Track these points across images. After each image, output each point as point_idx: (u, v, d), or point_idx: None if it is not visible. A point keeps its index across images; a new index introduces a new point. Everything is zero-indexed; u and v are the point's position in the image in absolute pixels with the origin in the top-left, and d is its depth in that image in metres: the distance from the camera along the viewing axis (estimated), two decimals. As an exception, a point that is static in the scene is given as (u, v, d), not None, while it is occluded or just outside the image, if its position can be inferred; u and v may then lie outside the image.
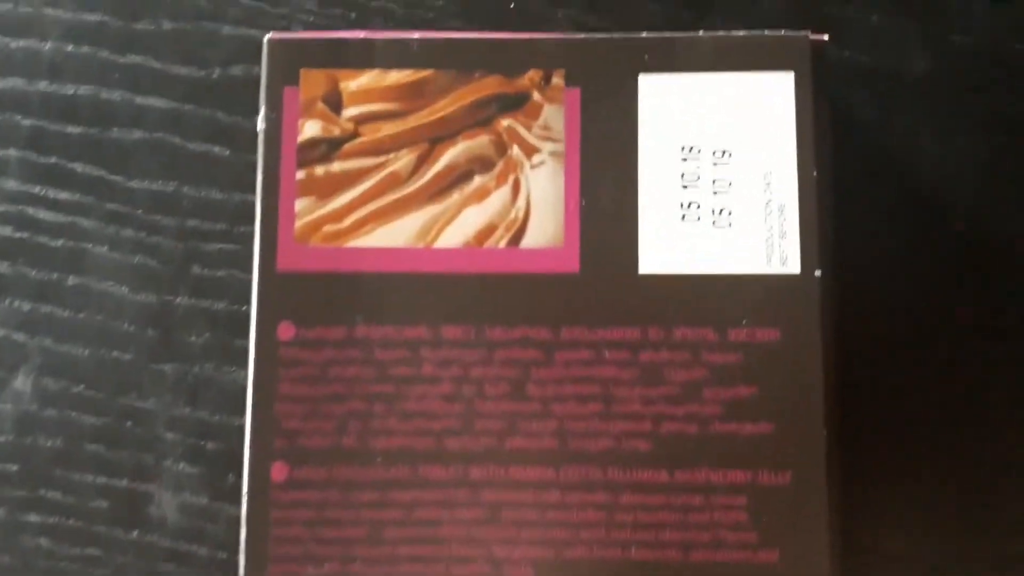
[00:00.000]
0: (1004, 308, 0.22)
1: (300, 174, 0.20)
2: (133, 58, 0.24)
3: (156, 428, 0.23)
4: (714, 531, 0.19)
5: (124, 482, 0.23)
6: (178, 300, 0.23)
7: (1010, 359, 0.22)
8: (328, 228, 0.20)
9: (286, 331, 0.20)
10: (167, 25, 0.24)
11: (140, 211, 0.23)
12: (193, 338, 0.23)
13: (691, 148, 0.20)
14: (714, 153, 0.20)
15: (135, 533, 0.23)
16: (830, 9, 0.24)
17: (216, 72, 0.24)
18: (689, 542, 0.19)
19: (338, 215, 0.20)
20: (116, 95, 0.24)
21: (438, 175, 0.20)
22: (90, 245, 0.23)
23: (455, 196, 0.20)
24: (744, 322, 0.19)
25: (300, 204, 0.20)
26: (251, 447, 0.19)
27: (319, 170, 0.20)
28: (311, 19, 0.24)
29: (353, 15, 0.24)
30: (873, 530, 0.22)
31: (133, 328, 0.23)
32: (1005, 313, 0.22)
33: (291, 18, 0.24)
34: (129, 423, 0.23)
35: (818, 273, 0.19)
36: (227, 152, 0.24)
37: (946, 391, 0.22)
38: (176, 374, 0.23)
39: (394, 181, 0.20)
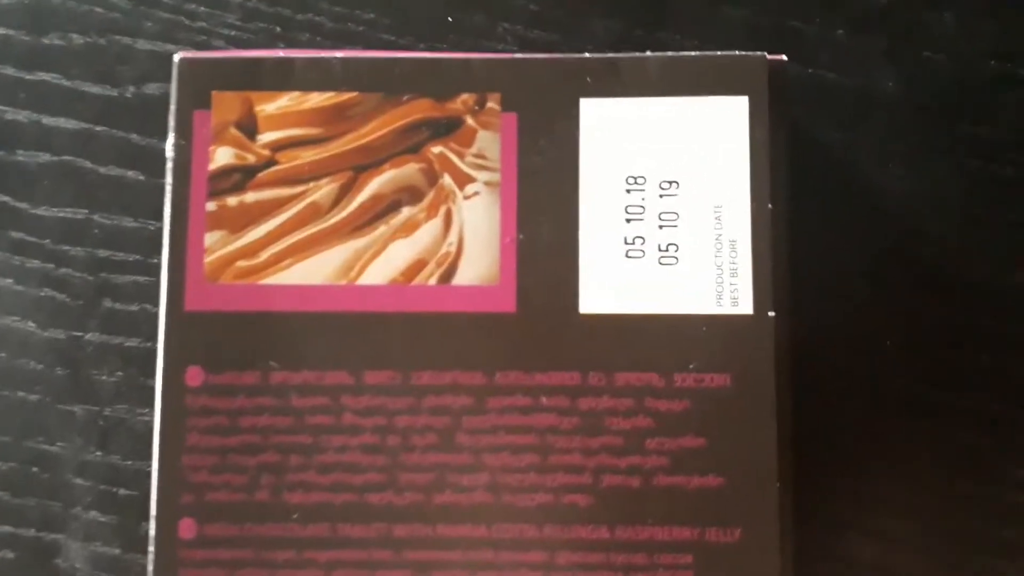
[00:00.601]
0: (972, 352, 0.21)
1: (211, 205, 0.18)
2: (40, 75, 0.22)
3: (65, 473, 0.21)
4: (657, 594, 0.18)
5: (31, 531, 0.21)
6: (88, 336, 0.22)
7: (975, 406, 0.21)
8: (241, 264, 0.18)
9: (194, 377, 0.18)
10: (77, 40, 0.22)
11: (47, 241, 0.22)
12: (104, 377, 0.21)
13: (636, 178, 0.18)
14: (661, 184, 0.18)
15: (41, 588, 0.21)
16: (794, 23, 0.22)
17: (130, 90, 0.22)
18: (630, 606, 0.17)
19: (252, 250, 0.18)
20: (22, 115, 0.22)
21: (362, 206, 0.19)
22: (-6, 277, 0.22)
23: (381, 229, 0.18)
24: (692, 367, 0.18)
25: (211, 238, 0.18)
26: (158, 502, 0.18)
27: (232, 201, 0.18)
28: (232, 33, 0.23)
29: (278, 29, 0.23)
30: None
31: (40, 366, 0.21)
32: (972, 357, 0.21)
33: (211, 32, 0.23)
34: (36, 468, 0.21)
35: (772, 314, 0.18)
36: (141, 177, 0.22)
37: (908, 438, 0.21)
38: (86, 416, 0.21)
39: (314, 213, 0.19)
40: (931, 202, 0.22)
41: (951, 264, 0.21)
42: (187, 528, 0.18)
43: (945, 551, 0.21)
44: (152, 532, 0.17)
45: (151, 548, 0.17)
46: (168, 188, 0.18)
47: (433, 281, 0.18)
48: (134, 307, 0.21)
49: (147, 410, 0.21)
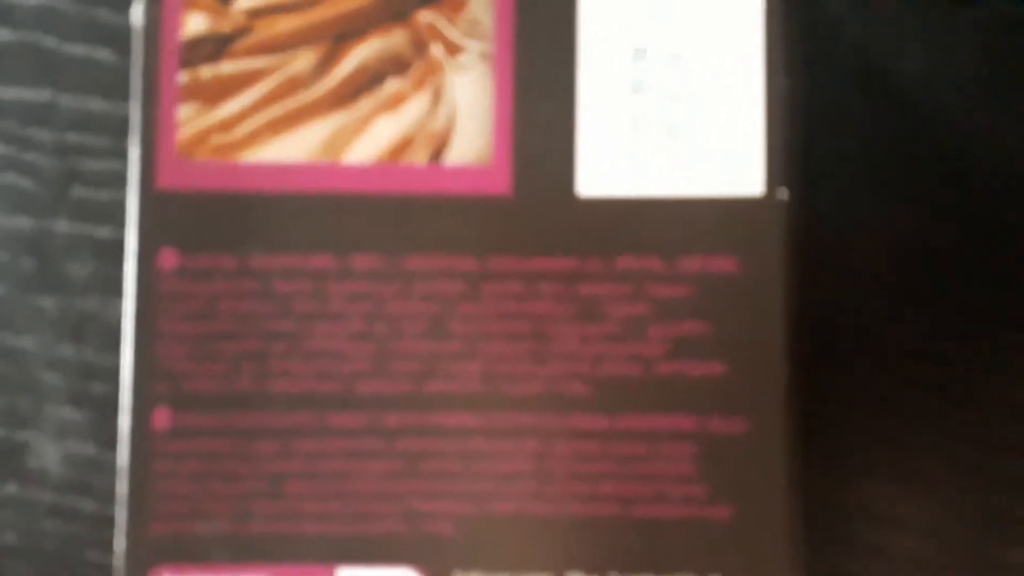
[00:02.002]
0: (990, 238, 0.20)
1: (183, 76, 0.17)
2: (0, -56, 0.21)
3: (35, 369, 0.20)
4: (658, 484, 0.17)
5: (-1, 430, 0.20)
6: (57, 225, 0.21)
7: (995, 291, 0.20)
8: (216, 140, 0.17)
9: (168, 259, 0.17)
10: (39, -94, 0.21)
11: (11, 123, 0.21)
12: (75, 268, 0.20)
13: (641, 50, 0.17)
14: (667, 55, 0.17)
15: (12, 487, 0.20)
16: (803, -99, 0.21)
17: (97, -39, 0.21)
18: (630, 496, 0.17)
19: (228, 124, 0.17)
20: (-19, -12, 0.21)
21: (345, 79, 0.17)
22: (-45, 162, 0.21)
23: (365, 103, 0.17)
24: (696, 250, 0.17)
25: (183, 111, 0.17)
26: (131, 391, 0.17)
27: (205, 72, 0.17)
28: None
29: None
30: (835, 483, 0.21)
31: (6, 257, 0.20)
32: (991, 243, 0.20)
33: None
34: (4, 364, 0.20)
35: (783, 195, 0.17)
36: (110, 56, 0.21)
37: (922, 330, 0.20)
38: (56, 309, 0.20)
39: (293, 85, 0.17)
40: (951, 81, 0.21)
41: (971, 148, 0.21)
42: (162, 418, 0.17)
43: (958, 455, 0.20)
44: (125, 423, 0.17)
45: (123, 439, 0.16)
46: (137, 57, 0.17)
47: (422, 161, 0.17)
48: (105, 194, 0.20)
49: (120, 302, 0.20)
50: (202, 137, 0.17)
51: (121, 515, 0.16)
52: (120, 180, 0.21)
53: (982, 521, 0.20)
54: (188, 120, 0.17)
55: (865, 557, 0.20)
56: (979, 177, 0.21)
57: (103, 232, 0.21)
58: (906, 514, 0.20)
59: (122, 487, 0.16)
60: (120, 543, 0.16)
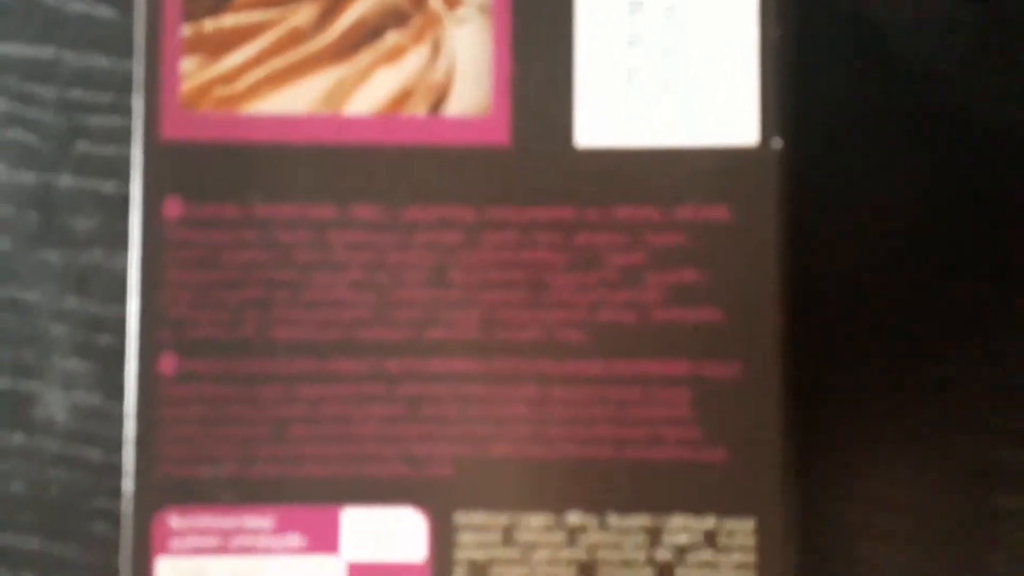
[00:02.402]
0: (982, 186, 0.21)
1: (186, 29, 0.17)
2: (1, -99, 0.21)
3: (40, 321, 0.21)
4: (654, 427, 0.17)
5: (6, 381, 0.21)
6: (61, 180, 0.21)
7: (988, 241, 0.21)
8: (219, 92, 0.17)
9: (173, 208, 0.17)
10: None
11: (15, 80, 0.21)
12: (79, 222, 0.21)
13: (637, 3, 0.18)
14: (663, 8, 0.17)
15: (19, 436, 0.21)
16: None
17: (98, -82, 0.21)
18: (625, 439, 0.17)
19: (230, 77, 0.18)
20: (-17, -56, 0.21)
21: (345, 32, 0.18)
22: (-41, 117, 0.21)
23: (365, 56, 0.18)
24: (692, 199, 0.17)
25: (186, 64, 0.17)
26: (137, 338, 0.17)
27: (208, 24, 0.17)
28: None
29: None
30: (829, 427, 0.21)
31: (12, 211, 0.21)
32: (983, 191, 0.21)
33: None
34: (10, 316, 0.21)
35: (777, 145, 0.18)
36: (112, 12, 0.21)
37: (913, 279, 0.21)
38: (61, 262, 0.21)
39: (295, 37, 0.18)
40: (943, 32, 0.21)
41: (963, 98, 0.21)
42: (168, 364, 0.17)
43: (947, 402, 0.21)
44: (131, 369, 0.17)
45: (130, 385, 0.17)
46: (140, 11, 0.17)
47: (421, 112, 0.17)
48: (109, 149, 0.21)
49: (125, 255, 0.20)
50: (205, 89, 0.18)
51: (129, 458, 0.17)
52: (123, 135, 0.21)
53: (974, 466, 0.20)
54: (191, 73, 0.17)
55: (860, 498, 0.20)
56: (971, 126, 0.21)
57: (107, 186, 0.21)
58: (897, 459, 0.21)
59: (129, 431, 0.17)
60: (128, 486, 0.17)
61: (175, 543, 0.17)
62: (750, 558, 0.17)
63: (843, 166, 0.21)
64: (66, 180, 0.21)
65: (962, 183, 0.21)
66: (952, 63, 0.21)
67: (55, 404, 0.21)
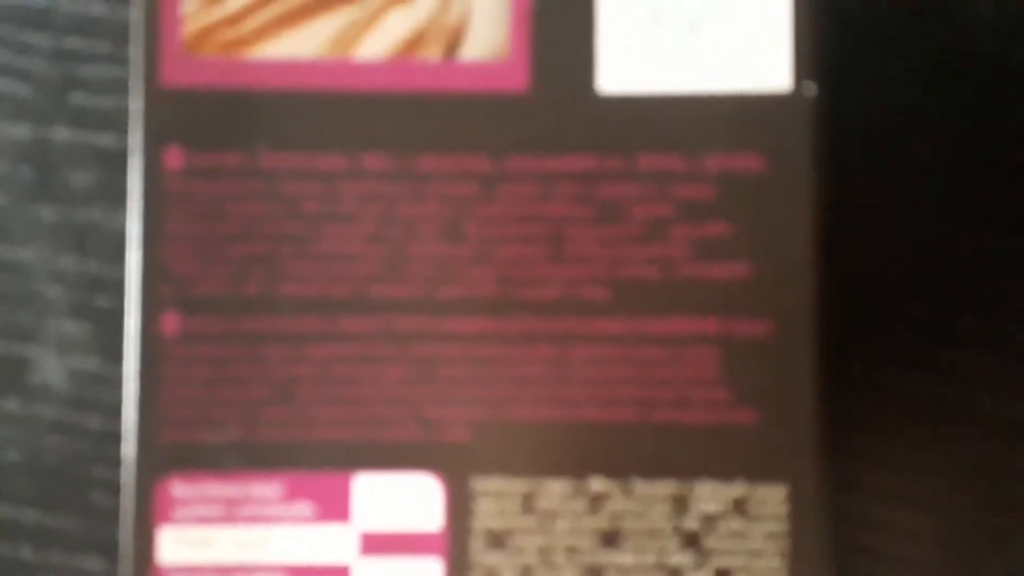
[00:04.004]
0: (1016, 148, 0.20)
1: (187, -33, 0.17)
2: None
3: (36, 282, 0.20)
4: (680, 388, 0.16)
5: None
6: (56, 133, 0.20)
7: (1011, 202, 0.20)
8: (223, 35, 0.17)
9: (174, 158, 0.17)
10: None
11: (8, 28, 0.20)
12: (76, 177, 0.20)
13: (661, -60, 0.17)
14: (688, -54, 0.17)
15: (14, 403, 0.20)
16: None
17: None
18: (650, 400, 0.16)
19: (234, 19, 0.17)
20: None
21: (356, -30, 0.17)
22: (-51, 69, 0.20)
23: (377, -4, 0.17)
24: (720, 148, 0.16)
25: (187, 5, 0.16)
26: (137, 295, 0.17)
27: (210, -38, 0.17)
28: None
29: None
30: (861, 388, 0.20)
31: (5, 167, 0.20)
32: (1017, 153, 0.20)
33: None
34: (4, 276, 0.20)
35: (811, 90, 0.17)
36: (109, -44, 0.20)
37: (951, 231, 0.20)
38: (57, 219, 0.20)
39: (302, -23, 0.17)
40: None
41: (999, 47, 0.20)
42: (170, 323, 0.16)
43: (983, 361, 0.20)
44: (131, 327, 0.16)
45: (130, 345, 0.16)
46: (137, -51, 0.17)
47: (435, 56, 0.17)
48: (106, 100, 0.20)
49: (124, 211, 0.20)
50: (207, 32, 0.17)
51: (129, 423, 0.16)
52: (121, 86, 0.20)
53: (1002, 425, 0.20)
54: (193, 15, 0.17)
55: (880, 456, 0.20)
56: (1008, 70, 0.20)
57: (105, 140, 0.20)
58: (927, 421, 0.20)
59: (130, 394, 0.16)
60: (129, 452, 0.16)
61: (179, 512, 0.16)
62: (782, 527, 0.16)
63: (880, 113, 0.20)
64: (62, 133, 0.20)
65: (1002, 129, 0.20)
66: (992, 10, 0.20)
67: (51, 369, 0.20)
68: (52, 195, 0.20)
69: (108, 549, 0.20)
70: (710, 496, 0.16)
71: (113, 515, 0.20)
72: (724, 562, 0.16)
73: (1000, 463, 0.20)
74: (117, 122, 0.20)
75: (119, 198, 0.20)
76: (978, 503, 0.20)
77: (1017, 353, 0.20)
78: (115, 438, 0.20)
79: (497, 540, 0.16)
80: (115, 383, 0.20)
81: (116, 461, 0.20)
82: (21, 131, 0.20)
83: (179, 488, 0.17)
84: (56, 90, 0.20)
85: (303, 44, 0.17)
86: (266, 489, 0.17)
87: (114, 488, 0.20)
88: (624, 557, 0.16)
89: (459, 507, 0.17)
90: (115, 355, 0.20)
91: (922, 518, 0.20)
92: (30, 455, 0.20)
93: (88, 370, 0.20)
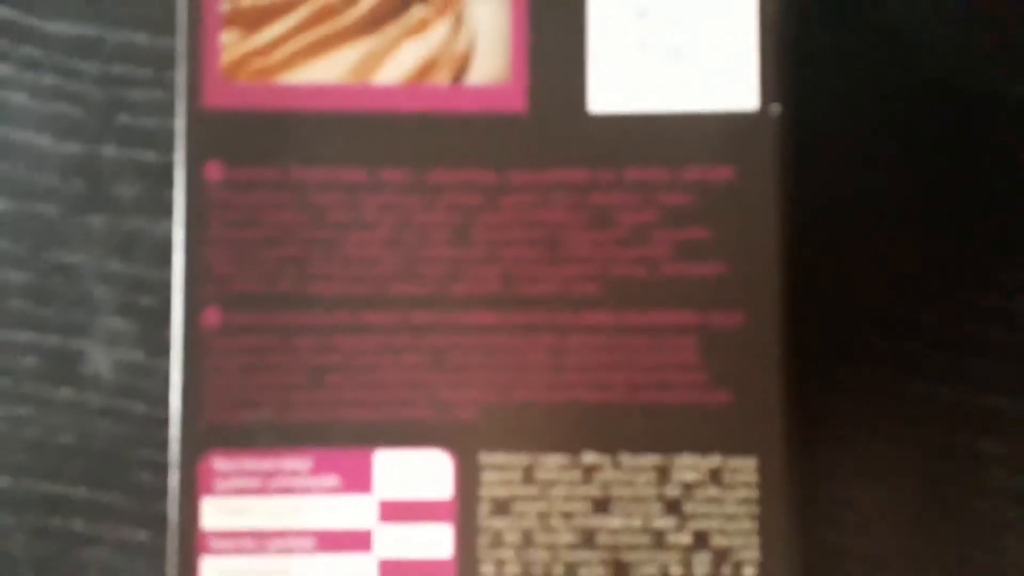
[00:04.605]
0: (972, 150, 0.22)
1: (225, 4, 0.19)
2: None
3: (86, 283, 0.22)
4: (663, 373, 0.18)
5: (54, 339, 0.22)
6: (104, 150, 0.22)
7: (975, 200, 0.22)
8: (256, 63, 0.19)
9: (214, 171, 0.19)
10: None
11: (60, 56, 0.22)
12: (122, 189, 0.22)
13: (644, -22, 0.19)
14: (668, -17, 0.19)
15: (67, 391, 0.22)
16: None
17: (136, -97, 0.22)
18: (637, 383, 0.18)
19: (267, 49, 0.19)
20: (28, -71, 0.22)
21: (373, 6, 0.19)
22: (6, 92, 0.22)
23: (392, 29, 0.19)
24: (698, 161, 0.19)
25: (226, 37, 0.19)
26: (182, 293, 0.19)
27: (245, 1, 0.19)
28: None
29: None
30: (828, 371, 0.22)
31: (58, 180, 0.22)
32: (972, 154, 0.22)
33: None
34: (57, 278, 0.22)
35: (776, 109, 0.19)
36: (151, -9, 0.22)
37: (904, 234, 0.22)
38: (105, 227, 0.22)
39: (326, 12, 0.19)
40: (934, 8, 0.22)
41: (950, 70, 0.22)
42: (212, 317, 0.18)
43: (939, 343, 0.22)
44: (177, 321, 0.18)
45: (176, 337, 0.18)
46: (182, -12, 0.18)
47: (445, 81, 0.19)
48: (150, 121, 0.22)
49: (165, 220, 0.22)
50: (243, 60, 0.19)
51: (175, 406, 0.18)
52: (163, 108, 0.22)
53: (959, 413, 0.22)
54: (230, 45, 0.19)
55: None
56: (958, 91, 0.22)
57: (148, 156, 0.22)
58: (887, 407, 0.22)
59: (176, 380, 0.18)
60: (175, 431, 0.18)
61: (219, 484, 0.18)
62: (753, 494, 0.18)
63: (838, 129, 0.22)
64: (110, 150, 0.22)
65: (949, 145, 0.22)
66: (941, 34, 0.22)
67: (101, 361, 0.22)
68: (101, 206, 0.22)
69: (152, 522, 0.22)
70: (689, 467, 0.18)
71: (156, 492, 0.22)
72: (702, 525, 0.18)
73: (958, 447, 0.22)
74: (159, 140, 0.22)
75: (161, 208, 0.22)
76: (933, 480, 0.22)
77: (972, 348, 0.22)
78: (158, 423, 0.22)
79: (501, 507, 0.18)
80: (157, 374, 0.22)
81: (159, 443, 0.22)
82: (73, 148, 0.22)
83: (220, 463, 0.19)
84: (104, 111, 0.22)
85: (328, 71, 0.19)
86: (297, 464, 0.18)
87: (157, 467, 0.22)
88: (614, 521, 0.18)
89: (467, 478, 0.19)
90: (157, 349, 0.22)
91: (884, 493, 0.22)
92: (81, 438, 0.22)
93: (133, 362, 0.22)
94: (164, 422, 0.22)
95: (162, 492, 0.22)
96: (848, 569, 0.21)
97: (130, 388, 0.22)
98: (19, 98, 0.22)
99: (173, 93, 0.22)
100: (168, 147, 0.22)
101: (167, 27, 0.22)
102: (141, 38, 0.22)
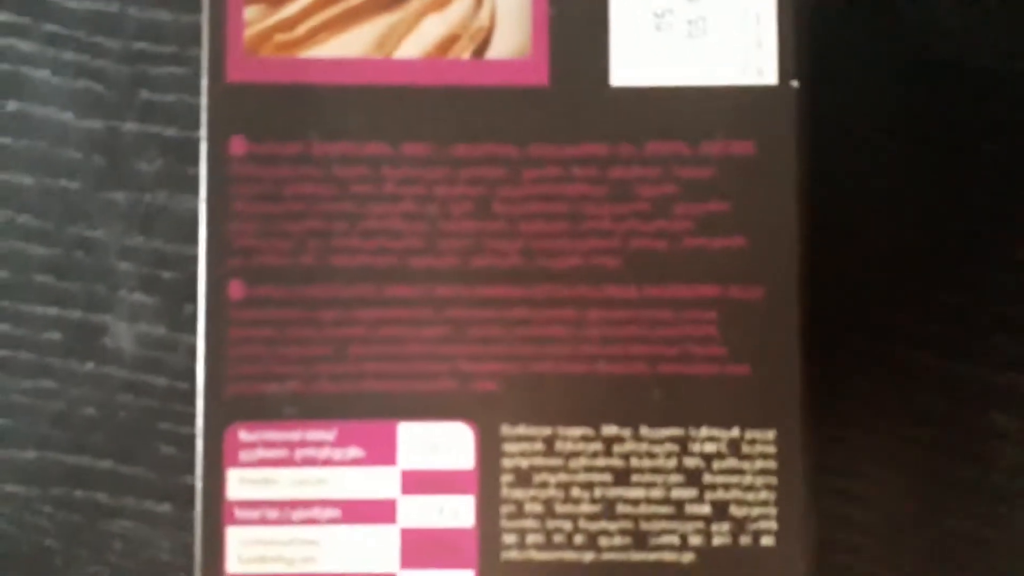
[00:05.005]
0: (975, 127, 0.22)
1: (249, -21, 0.19)
2: None
3: (108, 258, 0.22)
4: (683, 345, 0.18)
5: (76, 313, 0.22)
6: (126, 126, 0.22)
7: (980, 194, 0.22)
8: (280, 38, 0.19)
9: (238, 146, 0.19)
10: None
11: (82, 33, 0.22)
12: (144, 165, 0.22)
13: (665, -47, 0.19)
14: (689, -42, 0.19)
15: (90, 365, 0.22)
16: None
17: None
18: (657, 356, 0.18)
19: (290, 24, 0.19)
20: (49, -95, 0.22)
21: (396, -20, 0.19)
22: (29, 69, 0.22)
23: (414, 4, 0.19)
24: (718, 135, 0.19)
25: (249, 12, 0.19)
26: (206, 266, 0.19)
27: (269, -26, 0.19)
28: None
29: None
30: (844, 345, 0.22)
31: (80, 155, 0.22)
32: (976, 130, 0.22)
33: None
34: (79, 253, 0.22)
35: (795, 84, 0.19)
36: (172, -33, 0.22)
37: (921, 210, 0.22)
38: (127, 202, 0.22)
39: (349, -13, 0.19)
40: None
41: (958, 51, 0.22)
42: (236, 289, 0.19)
43: (952, 319, 0.22)
44: (201, 295, 0.18)
45: (201, 310, 0.18)
46: (205, -38, 0.19)
47: (466, 55, 0.19)
48: (171, 97, 0.22)
49: (187, 196, 0.22)
50: (266, 35, 0.19)
51: (200, 378, 0.18)
52: (183, 84, 0.22)
53: (973, 388, 0.22)
54: (254, 20, 0.19)
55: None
56: (964, 70, 0.22)
57: (169, 132, 0.22)
58: (904, 383, 0.22)
59: (201, 353, 0.18)
60: (200, 403, 0.18)
61: (244, 455, 0.18)
62: (771, 465, 0.18)
63: (856, 105, 0.22)
64: (131, 126, 0.22)
65: (966, 122, 0.22)
66: (950, 16, 0.22)
67: (123, 335, 0.22)
68: (122, 181, 0.22)
69: (174, 494, 0.22)
70: (708, 439, 0.19)
71: (179, 464, 0.22)
72: (721, 495, 0.18)
73: (971, 422, 0.22)
74: (180, 116, 0.22)
75: (181, 183, 0.22)
76: (945, 454, 0.22)
77: (988, 324, 0.22)
78: (179, 396, 0.22)
79: (523, 476, 0.19)
80: (179, 348, 0.22)
81: (180, 416, 0.22)
82: (95, 124, 0.22)
83: (244, 435, 0.19)
84: (126, 88, 0.22)
85: (350, 45, 0.19)
86: (321, 435, 0.19)
87: (179, 440, 0.22)
88: (634, 492, 0.19)
89: (490, 449, 0.19)
90: (178, 323, 0.22)
91: (895, 466, 0.22)
92: (105, 411, 0.22)
93: (154, 336, 0.22)
94: (186, 395, 0.22)
95: (184, 464, 0.22)
96: (857, 541, 0.22)
97: (152, 362, 0.22)
98: (42, 74, 0.22)
99: (194, 69, 0.22)
100: (189, 123, 0.22)
101: (188, 5, 0.22)
102: (163, 15, 0.22)
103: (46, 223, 0.22)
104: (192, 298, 0.22)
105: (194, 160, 0.22)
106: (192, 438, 0.22)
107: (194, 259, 0.22)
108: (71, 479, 0.22)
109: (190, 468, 0.22)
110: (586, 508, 0.18)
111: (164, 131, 0.22)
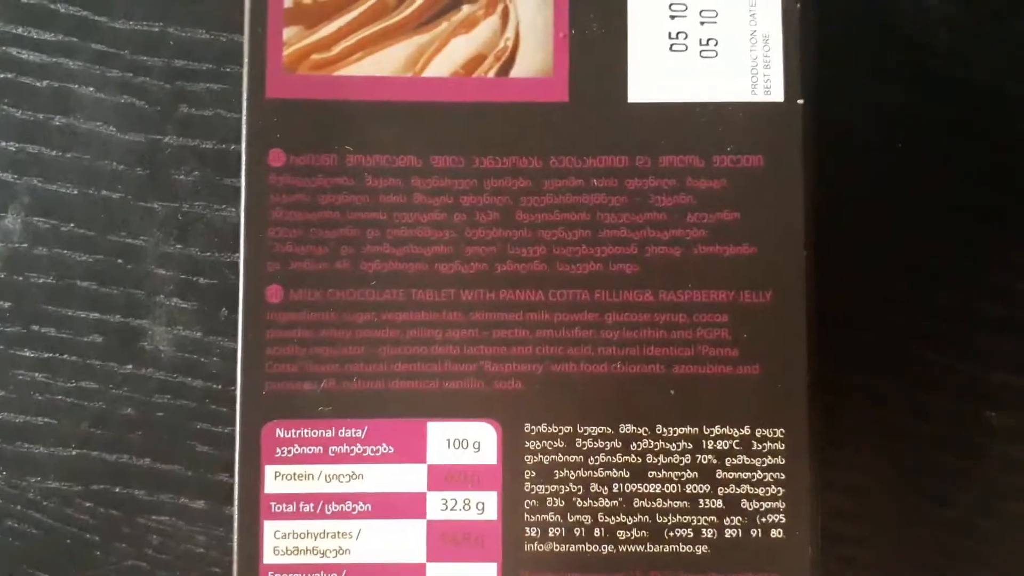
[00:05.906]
0: (976, 138, 0.23)
1: (287, 2, 0.20)
2: None
3: (147, 265, 0.23)
4: (697, 347, 0.19)
5: (117, 317, 0.23)
6: (166, 139, 0.23)
7: (985, 185, 0.23)
8: (316, 57, 0.20)
9: (276, 158, 0.20)
10: None
11: (126, 52, 0.23)
12: (182, 176, 0.23)
13: (679, -22, 0.20)
14: (701, -16, 0.20)
15: (129, 367, 0.23)
16: None
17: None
18: (672, 357, 0.19)
19: (326, 44, 0.20)
20: (95, -69, 0.24)
21: (424, 5, 0.20)
22: (76, 85, 0.23)
23: (443, 26, 0.20)
24: (729, 149, 0.20)
25: (288, 33, 0.20)
26: (246, 271, 0.20)
27: (307, -2, 0.20)
28: None
29: None
30: (849, 346, 0.23)
31: (121, 167, 0.23)
32: (977, 142, 0.23)
33: None
34: (120, 260, 0.23)
35: (800, 101, 0.20)
36: (212, -10, 0.23)
37: (920, 217, 0.23)
38: (166, 212, 0.23)
39: (381, 10, 0.20)
40: (941, 11, 0.23)
41: (957, 68, 0.23)
42: (274, 293, 0.20)
43: (956, 322, 0.23)
44: (241, 298, 0.19)
45: (240, 313, 0.19)
46: (247, -15, 0.20)
47: (492, 74, 0.20)
48: (209, 112, 0.23)
49: (223, 206, 0.23)
50: (304, 54, 0.20)
51: (239, 378, 0.19)
52: (221, 100, 0.23)
53: (971, 387, 0.23)
54: (292, 40, 0.20)
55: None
56: (963, 86, 0.23)
57: (207, 145, 0.23)
58: (904, 381, 0.23)
59: (240, 354, 0.19)
60: (239, 402, 0.19)
61: (280, 452, 0.19)
62: (780, 461, 0.19)
63: (861, 118, 0.23)
64: (171, 140, 0.23)
65: (962, 135, 0.23)
66: (949, 34, 0.23)
67: (161, 338, 0.23)
68: (162, 192, 0.23)
69: (209, 491, 0.23)
70: (721, 437, 0.19)
71: (213, 462, 0.23)
72: (732, 490, 0.19)
73: (968, 418, 0.23)
74: (218, 131, 0.23)
75: (218, 194, 0.23)
76: (943, 449, 0.23)
77: (984, 324, 0.23)
78: (215, 397, 0.23)
79: (545, 472, 0.20)
80: (214, 351, 0.23)
81: (215, 416, 0.23)
82: (136, 137, 0.23)
83: (281, 432, 0.20)
84: (166, 103, 0.23)
85: (382, 64, 0.20)
86: (353, 432, 0.20)
87: (214, 439, 0.23)
88: (650, 487, 0.19)
89: (513, 447, 0.20)
90: (214, 327, 0.23)
91: (895, 461, 0.23)
92: (143, 411, 0.23)
93: (191, 339, 0.23)
94: (220, 396, 0.23)
95: (218, 462, 0.23)
96: (861, 532, 0.23)
97: (188, 364, 0.23)
98: (88, 91, 0.23)
99: (230, 85, 0.24)
100: (225, 136, 0.23)
101: (227, 24, 0.23)
102: (202, 35, 0.23)
103: (89, 231, 0.23)
104: (227, 303, 0.23)
105: (230, 171, 0.23)
106: (226, 437, 0.23)
107: (229, 266, 0.23)
108: (111, 476, 0.23)
109: (224, 466, 0.23)
110: (605, 503, 0.19)
111: (202, 144, 0.23)
